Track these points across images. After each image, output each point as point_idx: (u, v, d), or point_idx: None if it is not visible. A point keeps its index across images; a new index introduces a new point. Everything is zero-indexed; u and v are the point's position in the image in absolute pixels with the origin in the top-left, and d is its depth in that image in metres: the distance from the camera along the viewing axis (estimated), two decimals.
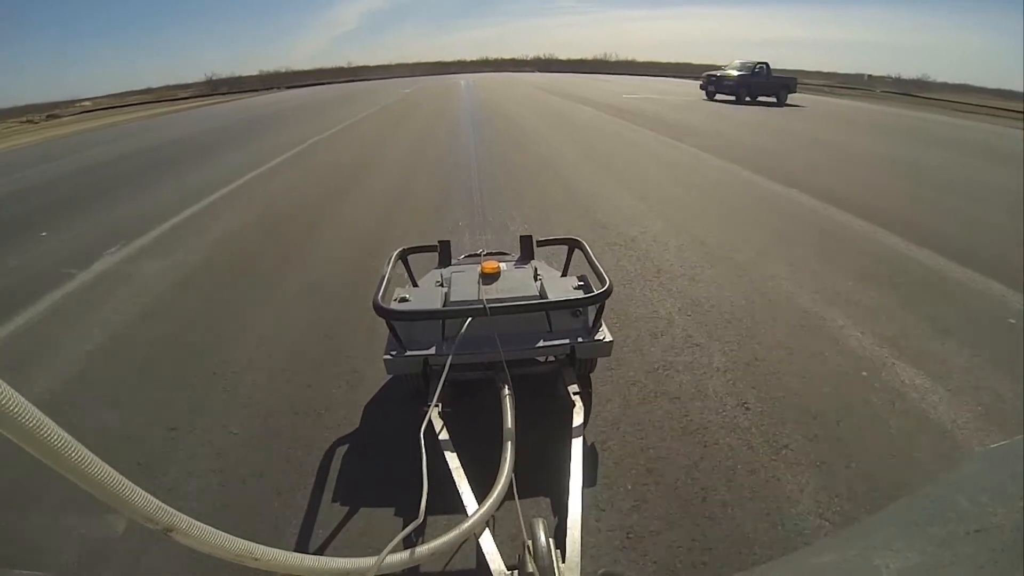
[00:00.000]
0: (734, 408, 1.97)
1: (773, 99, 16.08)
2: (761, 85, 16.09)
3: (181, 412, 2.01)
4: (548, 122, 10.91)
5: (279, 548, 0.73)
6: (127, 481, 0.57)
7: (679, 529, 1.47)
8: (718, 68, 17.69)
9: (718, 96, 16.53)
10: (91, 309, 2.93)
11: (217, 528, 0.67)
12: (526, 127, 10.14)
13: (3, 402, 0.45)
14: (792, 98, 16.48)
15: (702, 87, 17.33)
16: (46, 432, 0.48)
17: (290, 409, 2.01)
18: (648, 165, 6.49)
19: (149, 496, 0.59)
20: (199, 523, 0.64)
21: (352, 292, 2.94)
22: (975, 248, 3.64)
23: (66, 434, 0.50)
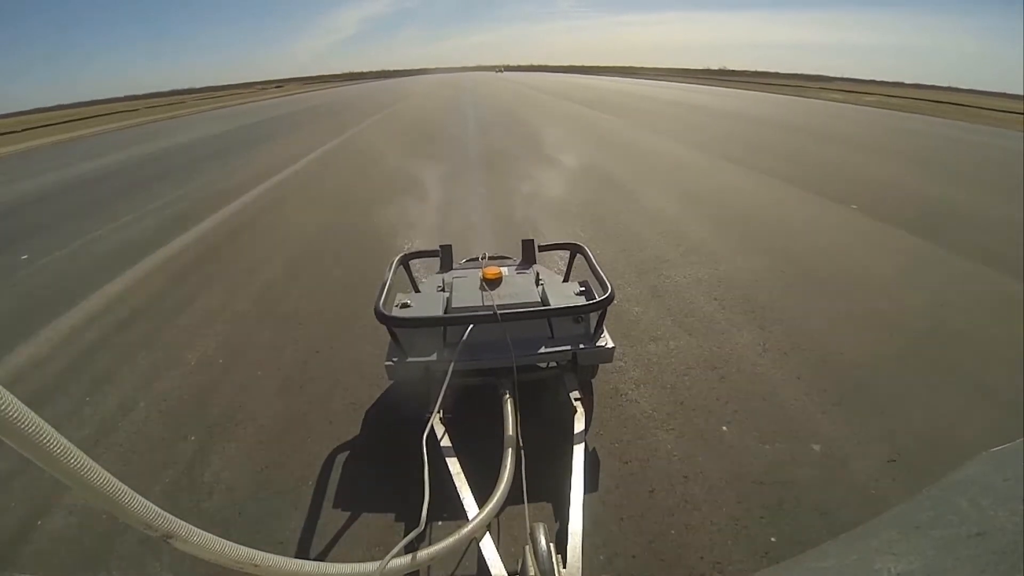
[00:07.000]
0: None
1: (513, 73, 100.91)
2: (509, 70, 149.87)
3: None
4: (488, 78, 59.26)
5: (280, 555, 0.73)
6: (126, 487, 0.56)
7: None
8: (504, 66, 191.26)
9: (499, 74, 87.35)
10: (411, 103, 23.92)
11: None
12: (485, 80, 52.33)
13: (3, 408, 0.44)
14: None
15: (496, 72, 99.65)
16: (45, 438, 0.48)
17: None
18: (503, 84, 42.04)
19: (148, 503, 0.58)
20: (199, 530, 0.63)
21: (452, 87, 37.82)
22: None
23: (65, 440, 0.50)
